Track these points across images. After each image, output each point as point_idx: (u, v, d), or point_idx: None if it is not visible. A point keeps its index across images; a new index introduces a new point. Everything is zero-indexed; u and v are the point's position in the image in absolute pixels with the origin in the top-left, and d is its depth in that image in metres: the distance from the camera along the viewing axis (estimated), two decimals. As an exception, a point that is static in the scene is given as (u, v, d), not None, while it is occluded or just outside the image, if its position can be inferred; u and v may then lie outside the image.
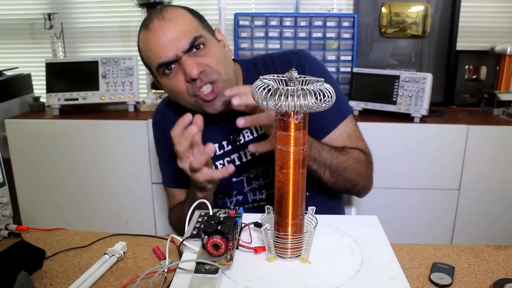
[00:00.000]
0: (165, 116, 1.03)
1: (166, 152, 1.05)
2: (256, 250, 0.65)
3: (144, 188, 1.71)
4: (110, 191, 1.73)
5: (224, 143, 0.97)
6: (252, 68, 0.98)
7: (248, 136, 0.96)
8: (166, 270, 0.67)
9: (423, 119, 1.62)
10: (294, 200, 0.62)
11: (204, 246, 0.60)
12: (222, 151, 0.98)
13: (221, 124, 0.96)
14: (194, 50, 0.85)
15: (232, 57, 0.97)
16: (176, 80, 0.87)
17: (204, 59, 0.86)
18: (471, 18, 1.93)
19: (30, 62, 2.16)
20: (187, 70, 0.83)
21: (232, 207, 1.01)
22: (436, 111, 1.74)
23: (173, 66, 0.86)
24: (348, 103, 1.02)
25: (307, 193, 0.98)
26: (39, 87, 2.08)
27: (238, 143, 0.96)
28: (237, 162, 0.97)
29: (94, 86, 1.75)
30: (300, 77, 0.60)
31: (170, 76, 0.87)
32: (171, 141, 1.01)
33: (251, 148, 0.80)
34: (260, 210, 0.71)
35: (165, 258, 0.72)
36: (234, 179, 0.99)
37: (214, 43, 0.89)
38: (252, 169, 0.97)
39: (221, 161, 0.98)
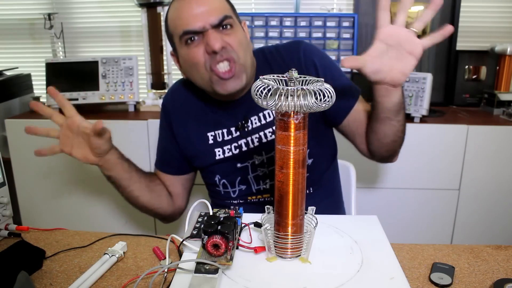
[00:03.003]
0: (174, 99, 1.05)
1: (163, 134, 1.07)
2: (256, 250, 0.65)
3: (144, 188, 1.70)
4: (110, 191, 1.72)
5: (232, 129, 0.98)
6: (262, 58, 1.00)
7: (256, 123, 0.97)
8: (166, 270, 0.67)
9: (423, 119, 1.62)
10: (294, 200, 0.62)
11: (204, 246, 0.60)
12: (230, 136, 0.99)
13: (230, 110, 0.98)
14: (221, 28, 0.88)
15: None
16: (196, 50, 0.88)
17: (229, 38, 0.88)
18: (471, 18, 1.93)
19: (30, 62, 2.16)
20: (211, 42, 0.85)
21: (235, 202, 1.02)
22: (436, 111, 1.74)
23: (196, 37, 0.88)
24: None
25: (310, 190, 0.99)
26: (39, 87, 2.08)
27: (246, 129, 0.97)
28: (244, 148, 0.98)
29: (94, 86, 1.75)
30: (300, 77, 0.60)
31: (191, 46, 0.89)
32: (174, 124, 1.03)
33: (346, 62, 0.78)
34: (263, 204, 0.71)
35: (165, 258, 0.72)
36: (239, 165, 0.99)
37: (240, 29, 0.93)
38: (258, 155, 0.98)
39: (228, 146, 0.99)
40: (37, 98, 1.90)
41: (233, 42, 0.88)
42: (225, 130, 0.99)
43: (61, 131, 0.92)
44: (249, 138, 0.98)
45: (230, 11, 0.91)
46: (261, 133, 0.97)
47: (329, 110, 0.96)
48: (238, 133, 0.98)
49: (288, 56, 0.97)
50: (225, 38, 0.88)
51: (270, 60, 0.99)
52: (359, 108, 0.97)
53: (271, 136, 0.97)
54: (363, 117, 0.96)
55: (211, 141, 1.00)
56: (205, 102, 1.00)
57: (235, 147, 0.99)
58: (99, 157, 0.93)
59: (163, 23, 1.76)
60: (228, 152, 0.99)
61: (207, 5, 0.87)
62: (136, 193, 1.00)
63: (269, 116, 0.97)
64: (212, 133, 1.00)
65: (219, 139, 0.99)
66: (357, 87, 1.00)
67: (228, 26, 0.89)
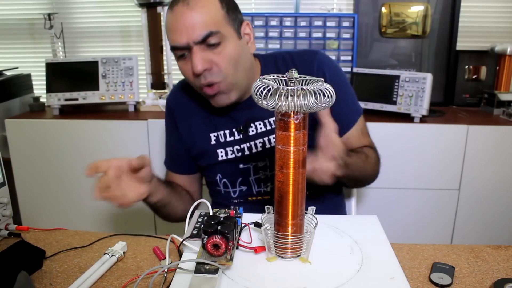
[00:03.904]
0: (177, 99, 1.05)
1: (170, 134, 1.07)
2: (256, 250, 0.65)
3: (144, 188, 1.70)
4: (110, 191, 1.73)
5: (235, 130, 0.98)
6: (272, 64, 0.99)
7: (261, 128, 0.97)
8: (166, 270, 0.67)
9: (423, 119, 1.62)
10: (294, 200, 0.62)
11: (204, 246, 0.60)
12: (232, 138, 0.99)
13: (232, 113, 0.98)
14: (207, 45, 0.85)
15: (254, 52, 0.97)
16: (187, 67, 0.88)
17: (215, 57, 0.85)
18: (471, 18, 1.93)
19: (30, 62, 2.16)
20: (192, 65, 0.85)
21: (235, 201, 1.02)
22: (436, 111, 1.74)
23: (186, 53, 0.87)
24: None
25: (311, 191, 0.98)
26: (39, 87, 2.07)
27: (248, 133, 0.97)
28: (247, 152, 0.98)
29: (94, 86, 1.75)
30: (300, 77, 0.60)
31: (183, 62, 0.89)
32: (179, 124, 1.03)
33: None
34: (264, 204, 0.71)
35: (165, 258, 0.72)
36: (241, 166, 0.99)
37: (231, 41, 0.87)
38: (261, 159, 0.98)
39: (231, 148, 0.99)
40: (37, 98, 1.90)
41: (220, 61, 0.85)
42: (227, 132, 0.99)
43: (111, 188, 0.79)
44: (252, 143, 0.98)
45: (221, 21, 0.85)
46: (265, 139, 0.97)
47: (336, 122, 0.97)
48: (240, 136, 0.98)
49: (301, 65, 0.96)
50: (212, 57, 0.85)
51: (281, 66, 0.98)
52: (353, 134, 0.98)
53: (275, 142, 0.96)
54: (354, 142, 0.98)
55: (213, 142, 1.00)
56: (206, 104, 0.99)
57: (238, 150, 0.99)
58: (148, 185, 0.85)
59: (163, 23, 1.76)
60: (231, 154, 0.99)
61: (193, 20, 0.82)
62: (174, 205, 0.99)
63: (275, 123, 0.96)
64: (215, 133, 0.99)
65: (222, 140, 0.99)
66: (358, 110, 1.00)
67: (215, 43, 0.84)
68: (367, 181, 1.00)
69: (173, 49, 0.87)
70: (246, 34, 0.93)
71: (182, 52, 0.87)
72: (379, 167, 0.99)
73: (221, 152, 0.99)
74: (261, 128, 0.97)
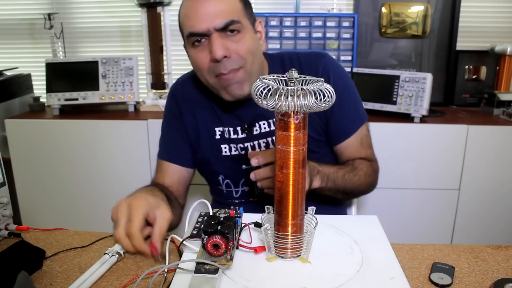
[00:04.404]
0: (184, 89, 1.04)
1: (173, 120, 1.04)
2: (256, 250, 0.65)
3: (144, 188, 1.70)
4: (110, 191, 1.73)
5: (239, 128, 0.98)
6: (279, 64, 0.99)
7: (265, 128, 0.97)
8: (166, 270, 0.67)
9: (423, 119, 1.62)
10: (294, 200, 0.62)
11: (204, 246, 0.60)
12: (236, 136, 0.98)
13: (237, 111, 0.97)
14: (228, 32, 0.85)
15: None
16: (202, 55, 0.87)
17: (235, 45, 0.86)
18: (471, 18, 1.93)
19: (30, 62, 2.16)
20: (213, 49, 0.84)
21: (236, 201, 1.02)
22: (436, 111, 1.74)
23: (203, 40, 0.86)
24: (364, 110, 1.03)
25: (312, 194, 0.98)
26: (39, 87, 2.08)
27: (252, 133, 0.97)
28: (250, 151, 0.98)
29: (94, 86, 1.75)
30: (300, 77, 0.60)
31: (198, 49, 0.88)
32: (184, 113, 1.02)
33: (253, 162, 0.79)
34: (264, 205, 0.71)
35: (165, 258, 0.72)
36: (244, 166, 0.99)
37: (250, 33, 0.89)
38: None
39: (234, 145, 0.99)
40: (37, 98, 1.90)
41: (240, 49, 0.86)
42: (231, 129, 0.99)
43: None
44: (255, 142, 0.97)
45: (240, 12, 0.87)
46: (269, 139, 0.97)
47: (333, 129, 0.97)
48: (244, 134, 0.98)
49: (307, 67, 0.96)
50: (231, 45, 0.85)
51: (287, 66, 0.98)
52: (352, 143, 0.98)
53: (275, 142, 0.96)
54: (352, 152, 0.98)
55: (218, 136, 1.00)
56: (212, 100, 0.99)
57: (241, 148, 0.99)
58: None
59: (163, 23, 1.76)
60: (235, 151, 0.99)
61: (214, 6, 0.83)
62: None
63: None
64: (220, 128, 0.99)
65: (226, 136, 0.99)
66: (361, 118, 0.99)
67: (236, 31, 0.85)
68: (358, 193, 1.00)
69: (190, 35, 0.86)
70: (258, 31, 0.94)
71: (197, 38, 0.86)
72: (374, 179, 0.99)
73: (225, 147, 0.99)
74: (265, 128, 0.97)
